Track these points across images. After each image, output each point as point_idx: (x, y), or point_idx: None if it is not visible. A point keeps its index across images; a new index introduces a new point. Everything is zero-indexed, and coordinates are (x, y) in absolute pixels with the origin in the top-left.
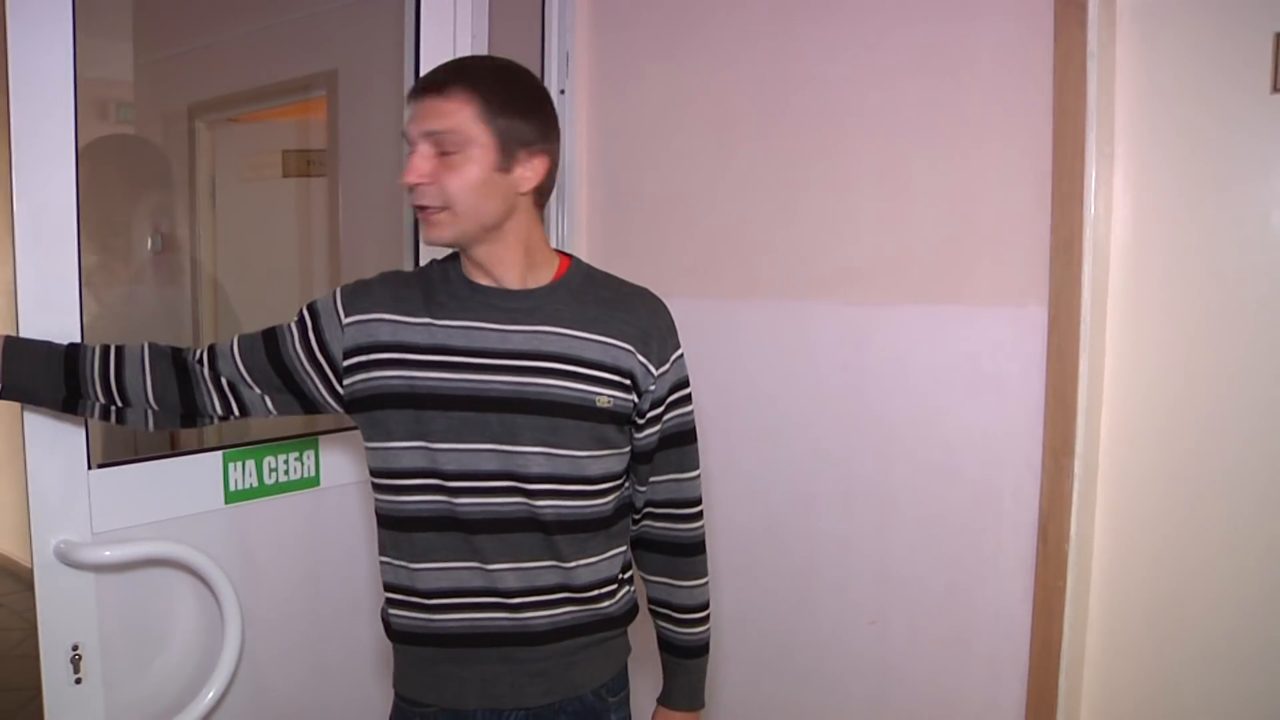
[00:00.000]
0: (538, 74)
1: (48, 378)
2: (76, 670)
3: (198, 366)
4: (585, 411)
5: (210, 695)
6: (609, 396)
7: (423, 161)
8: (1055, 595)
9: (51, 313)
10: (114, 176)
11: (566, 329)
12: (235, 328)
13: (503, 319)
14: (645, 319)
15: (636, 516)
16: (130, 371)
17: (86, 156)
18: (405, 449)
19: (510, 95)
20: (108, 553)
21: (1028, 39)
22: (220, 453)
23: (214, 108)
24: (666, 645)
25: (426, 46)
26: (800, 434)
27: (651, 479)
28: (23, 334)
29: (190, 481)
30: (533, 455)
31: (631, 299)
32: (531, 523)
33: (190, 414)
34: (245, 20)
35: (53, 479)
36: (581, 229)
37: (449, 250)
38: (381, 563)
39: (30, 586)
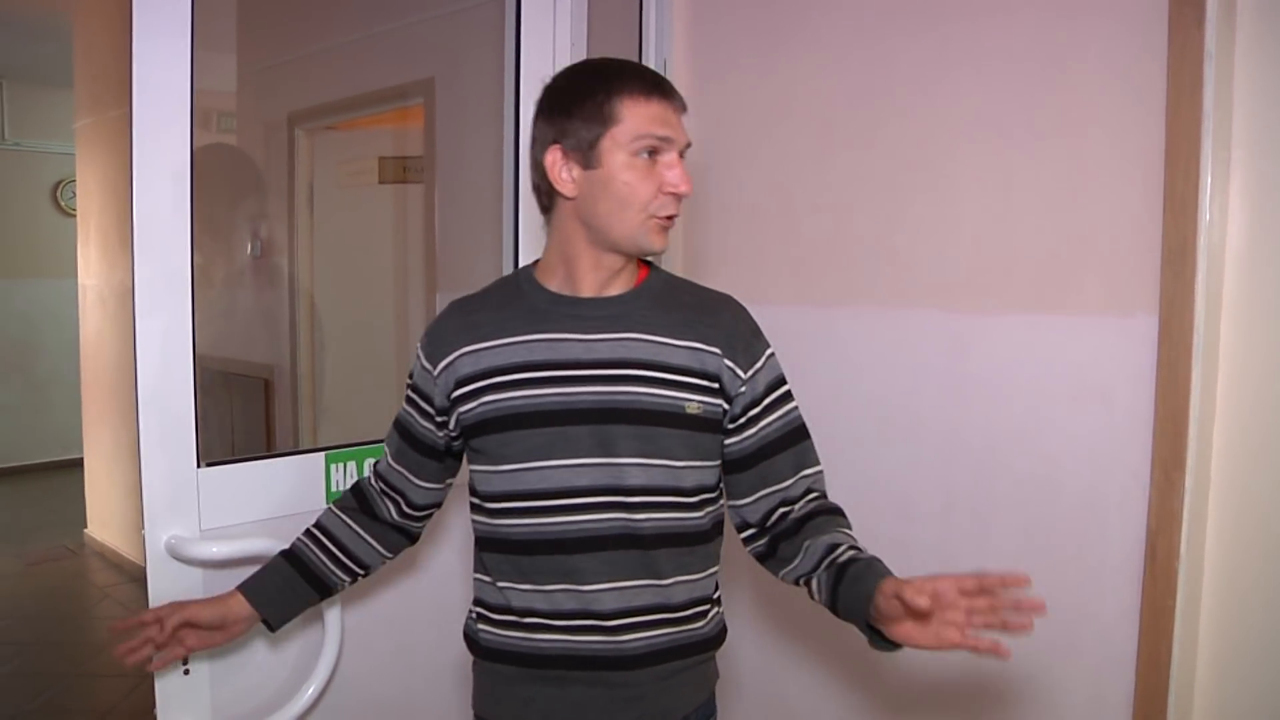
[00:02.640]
0: None
1: (297, 596)
2: (185, 661)
3: (390, 512)
4: (677, 419)
5: (311, 691)
6: (698, 402)
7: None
8: (1164, 615)
9: (164, 315)
10: (217, 183)
11: (652, 335)
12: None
13: (585, 328)
14: (729, 323)
15: (751, 533)
16: (355, 548)
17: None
18: (495, 473)
19: None
20: (215, 549)
21: (1140, 40)
22: (323, 454)
23: (313, 116)
24: (850, 558)
25: (527, 54)
26: (899, 443)
27: (776, 485)
28: (139, 335)
29: (294, 481)
30: (630, 466)
31: (714, 304)
32: (629, 539)
33: (411, 542)
34: (344, 31)
35: (164, 477)
36: (677, 234)
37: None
38: (475, 579)
39: (135, 579)
